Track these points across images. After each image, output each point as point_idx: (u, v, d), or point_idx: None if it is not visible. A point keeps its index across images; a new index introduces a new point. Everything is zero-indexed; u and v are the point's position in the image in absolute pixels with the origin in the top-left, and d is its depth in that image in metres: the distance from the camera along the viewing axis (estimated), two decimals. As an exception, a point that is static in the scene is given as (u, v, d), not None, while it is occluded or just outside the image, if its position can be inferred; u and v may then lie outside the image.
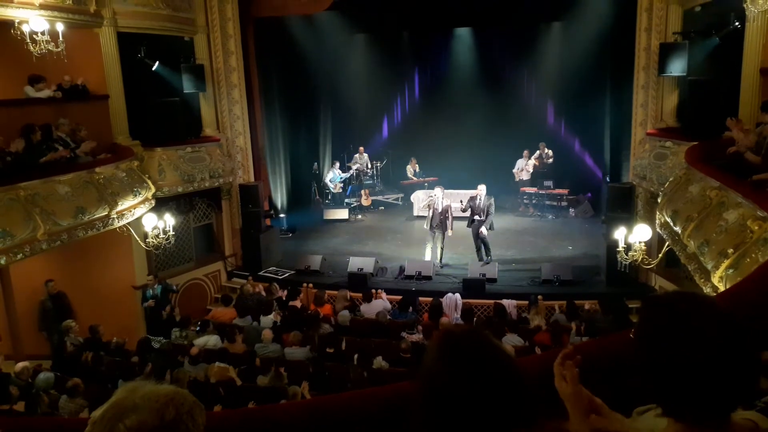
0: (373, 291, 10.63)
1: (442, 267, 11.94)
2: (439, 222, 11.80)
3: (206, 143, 12.84)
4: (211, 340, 8.80)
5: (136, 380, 6.45)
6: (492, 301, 10.05)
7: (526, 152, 15.61)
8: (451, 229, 11.89)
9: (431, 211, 11.83)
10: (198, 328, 9.58)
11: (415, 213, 15.32)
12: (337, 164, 16.58)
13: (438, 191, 12.03)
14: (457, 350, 1.24)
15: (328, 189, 16.50)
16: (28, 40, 8.85)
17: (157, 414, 1.18)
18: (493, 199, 11.87)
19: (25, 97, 9.76)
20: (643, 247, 8.88)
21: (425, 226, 12.11)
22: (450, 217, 11.81)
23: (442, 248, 12.05)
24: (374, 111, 17.79)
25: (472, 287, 10.83)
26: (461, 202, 11.96)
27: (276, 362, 7.75)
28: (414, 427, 1.25)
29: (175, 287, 11.67)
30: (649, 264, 9.44)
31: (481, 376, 1.19)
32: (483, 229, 11.66)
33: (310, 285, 11.49)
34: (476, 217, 11.70)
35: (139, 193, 10.37)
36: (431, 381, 1.23)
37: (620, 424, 1.40)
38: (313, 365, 7.58)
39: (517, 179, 15.67)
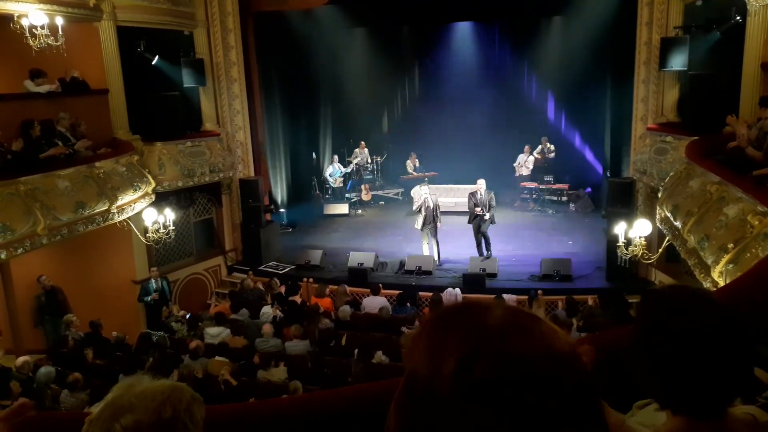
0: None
1: (440, 264, 11.94)
2: (430, 219, 11.80)
3: (206, 138, 12.83)
4: (225, 333, 8.85)
5: (134, 376, 6.45)
6: (492, 296, 10.05)
7: (527, 147, 15.60)
8: (440, 222, 11.90)
9: (424, 210, 11.81)
10: (201, 318, 9.62)
11: (415, 208, 15.29)
12: (337, 158, 16.57)
13: (425, 189, 12.03)
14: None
15: (329, 184, 16.49)
16: (28, 34, 8.83)
17: (154, 413, 1.18)
18: (493, 193, 11.86)
19: (25, 91, 9.75)
20: (644, 242, 8.89)
21: (417, 227, 12.06)
22: (438, 212, 11.83)
23: (438, 243, 12.05)
24: (374, 105, 17.75)
25: (472, 282, 10.84)
26: (470, 196, 11.91)
27: (276, 357, 7.77)
28: None
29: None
30: (649, 259, 9.45)
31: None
32: (484, 224, 11.67)
33: (311, 280, 11.50)
34: (477, 211, 11.69)
35: (139, 188, 10.37)
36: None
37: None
38: (312, 360, 7.59)
39: (517, 174, 15.67)
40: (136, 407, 1.17)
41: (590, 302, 9.64)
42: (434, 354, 0.75)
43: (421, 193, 11.95)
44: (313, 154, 16.93)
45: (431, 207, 11.74)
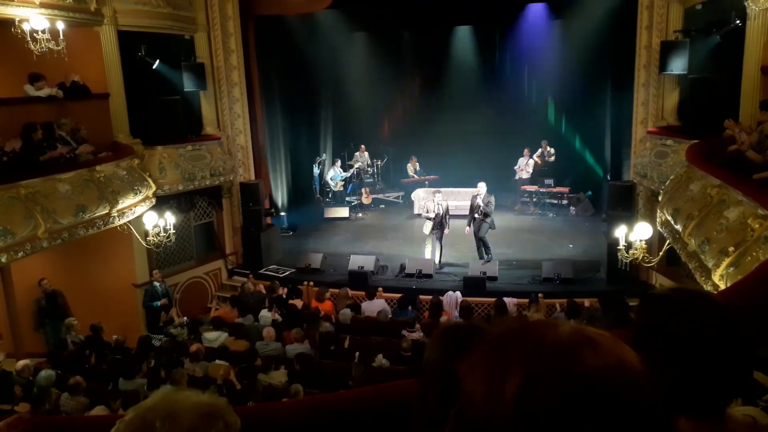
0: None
1: (441, 268, 11.94)
2: (437, 225, 11.80)
3: (207, 141, 12.84)
4: (222, 337, 8.85)
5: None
6: (492, 299, 10.06)
7: (526, 151, 15.63)
8: (448, 227, 11.90)
9: (435, 216, 11.80)
10: (201, 322, 9.61)
11: (416, 211, 15.32)
12: (338, 162, 16.59)
13: (439, 196, 12.04)
14: (453, 337, 1.27)
15: (329, 187, 16.51)
16: (29, 39, 8.85)
17: None
18: (493, 197, 11.87)
19: (25, 95, 9.77)
20: (644, 246, 8.88)
21: (425, 231, 12.06)
22: (447, 217, 11.83)
23: (441, 248, 12.05)
24: (375, 109, 17.77)
25: (472, 285, 10.83)
26: (472, 199, 11.91)
27: (277, 360, 7.77)
28: (415, 420, 1.26)
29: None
30: (649, 262, 9.44)
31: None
32: (483, 228, 11.68)
33: (311, 283, 11.49)
34: (476, 215, 11.70)
35: (140, 192, 10.37)
36: (431, 367, 1.25)
37: None
38: (302, 363, 7.55)
39: (517, 177, 15.69)
40: (163, 429, 1.15)
41: (587, 304, 9.64)
42: (494, 376, 0.69)
43: (434, 201, 11.92)
44: (324, 155, 16.97)
45: (441, 213, 11.75)
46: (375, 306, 9.91)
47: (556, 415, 0.64)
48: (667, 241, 8.63)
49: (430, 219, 11.87)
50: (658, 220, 8.83)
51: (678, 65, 10.52)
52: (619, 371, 0.68)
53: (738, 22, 9.15)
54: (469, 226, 11.86)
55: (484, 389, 0.70)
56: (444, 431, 1.19)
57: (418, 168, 16.87)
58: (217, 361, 7.73)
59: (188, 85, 12.49)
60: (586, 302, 9.68)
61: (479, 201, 11.65)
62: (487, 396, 0.69)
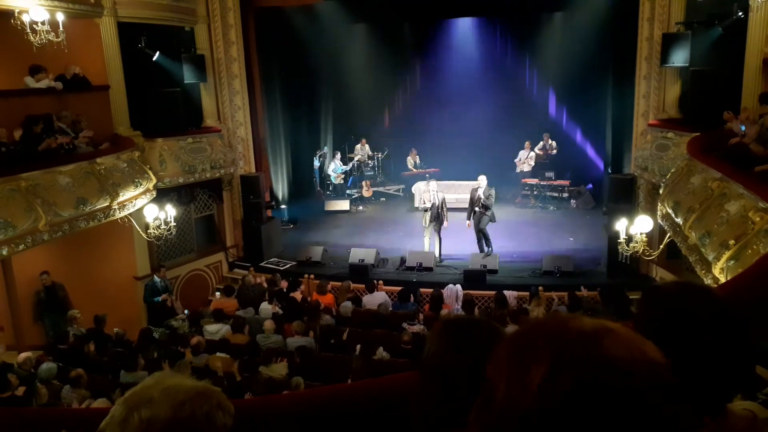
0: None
1: (441, 261, 11.95)
2: (435, 216, 11.80)
3: (207, 134, 12.83)
4: (223, 329, 8.87)
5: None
6: (493, 293, 10.07)
7: (527, 143, 15.59)
8: (447, 220, 11.90)
9: (431, 207, 11.82)
10: (202, 315, 9.64)
11: (416, 204, 15.30)
12: (339, 155, 16.57)
13: (433, 185, 12.02)
14: (454, 331, 1.27)
15: (330, 180, 16.50)
16: (29, 30, 8.83)
17: (171, 410, 1.20)
18: (493, 190, 11.85)
19: (26, 87, 9.74)
20: (645, 239, 8.88)
21: (424, 224, 12.08)
22: (445, 209, 11.83)
23: (440, 241, 12.05)
24: (375, 101, 17.72)
25: (473, 278, 10.84)
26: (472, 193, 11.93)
27: (278, 353, 7.79)
28: (415, 414, 1.26)
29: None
30: (650, 255, 9.44)
31: (478, 350, 1.20)
32: (483, 221, 11.68)
33: (312, 276, 11.51)
34: (477, 208, 11.69)
35: (140, 184, 10.37)
36: (432, 361, 1.26)
37: None
38: (302, 356, 7.57)
39: (518, 170, 15.66)
40: (155, 402, 1.19)
41: (584, 292, 9.66)
42: (519, 367, 0.70)
43: (429, 191, 11.93)
44: (324, 147, 16.94)
45: (438, 205, 11.75)
46: (376, 299, 9.92)
47: (576, 402, 0.65)
48: (668, 234, 8.63)
49: (427, 210, 11.88)
50: (658, 213, 8.83)
51: (679, 57, 10.47)
52: (641, 361, 0.69)
53: (740, 13, 9.12)
54: (470, 219, 11.85)
55: (509, 380, 0.71)
56: (443, 425, 1.19)
57: (418, 161, 16.84)
58: (218, 354, 7.76)
59: (188, 77, 12.46)
60: (584, 291, 9.75)
61: (480, 194, 11.63)
62: (512, 386, 0.70)
